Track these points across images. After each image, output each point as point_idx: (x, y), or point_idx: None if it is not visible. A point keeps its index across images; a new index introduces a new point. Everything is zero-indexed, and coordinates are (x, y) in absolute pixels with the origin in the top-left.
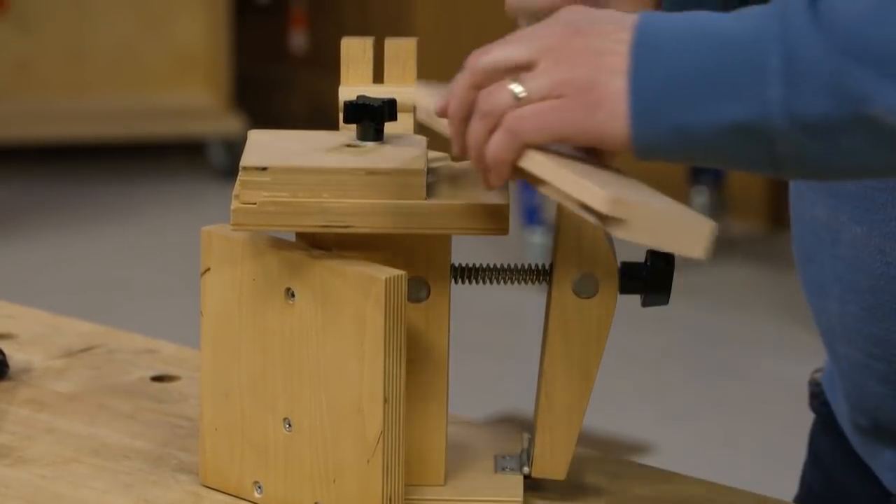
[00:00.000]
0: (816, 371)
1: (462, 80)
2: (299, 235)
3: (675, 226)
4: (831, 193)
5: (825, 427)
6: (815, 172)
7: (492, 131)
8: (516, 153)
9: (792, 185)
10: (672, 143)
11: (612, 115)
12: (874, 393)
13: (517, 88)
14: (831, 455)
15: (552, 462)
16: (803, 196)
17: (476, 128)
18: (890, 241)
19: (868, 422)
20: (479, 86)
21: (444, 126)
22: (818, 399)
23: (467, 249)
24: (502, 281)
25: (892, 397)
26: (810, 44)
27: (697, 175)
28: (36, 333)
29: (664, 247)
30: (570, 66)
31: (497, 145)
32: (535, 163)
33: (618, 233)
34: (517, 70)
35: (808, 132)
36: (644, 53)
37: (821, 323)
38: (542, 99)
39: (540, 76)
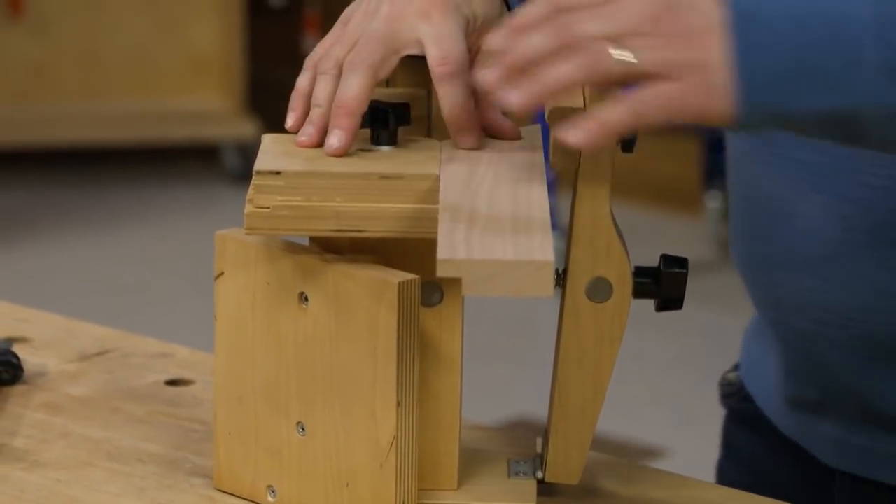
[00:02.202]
0: (729, 372)
1: (544, 38)
2: (313, 239)
3: (511, 273)
4: (790, 167)
5: (744, 423)
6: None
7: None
8: (631, 128)
9: (733, 167)
10: (772, 121)
11: (721, 97)
12: (827, 361)
13: (618, 52)
14: (752, 448)
15: (565, 466)
16: (751, 175)
17: (567, 73)
18: (853, 207)
19: (816, 393)
20: (556, 40)
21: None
22: (735, 397)
23: None
24: None
25: (845, 363)
26: None
27: (711, 180)
28: (50, 337)
29: (509, 293)
30: (681, 45)
31: (618, 116)
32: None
33: (464, 290)
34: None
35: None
36: (744, 33)
37: (764, 300)
38: (655, 73)
39: (649, 49)
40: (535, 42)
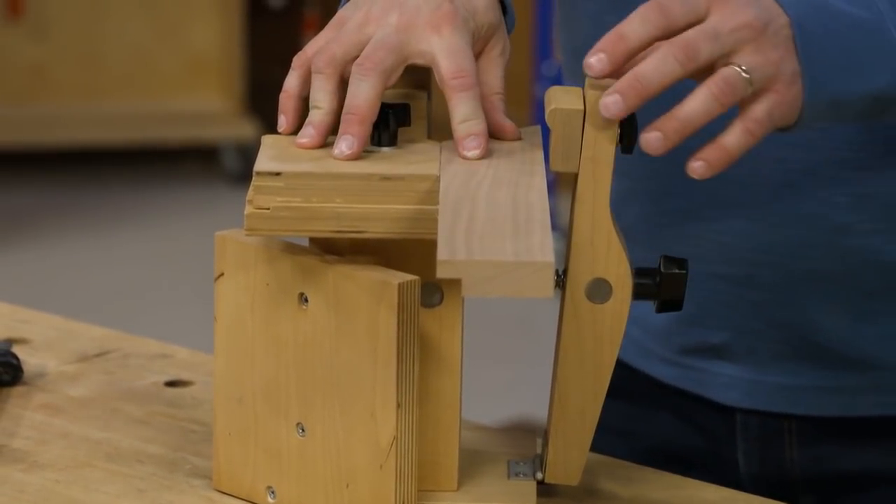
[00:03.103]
0: None
1: (671, 49)
2: (313, 240)
3: (511, 274)
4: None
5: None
6: None
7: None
8: (745, 152)
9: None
10: (823, 112)
11: (800, 102)
12: (746, 302)
13: (745, 75)
14: (624, 413)
15: (565, 467)
16: None
17: (705, 107)
18: (790, 150)
19: (723, 337)
20: (683, 58)
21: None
22: None
23: None
24: None
25: (776, 301)
26: None
27: None
28: (50, 338)
29: (508, 294)
30: (779, 57)
31: (734, 143)
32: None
33: (464, 292)
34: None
35: None
36: (807, 42)
37: (678, 252)
38: (761, 89)
39: (760, 65)
40: (664, 70)
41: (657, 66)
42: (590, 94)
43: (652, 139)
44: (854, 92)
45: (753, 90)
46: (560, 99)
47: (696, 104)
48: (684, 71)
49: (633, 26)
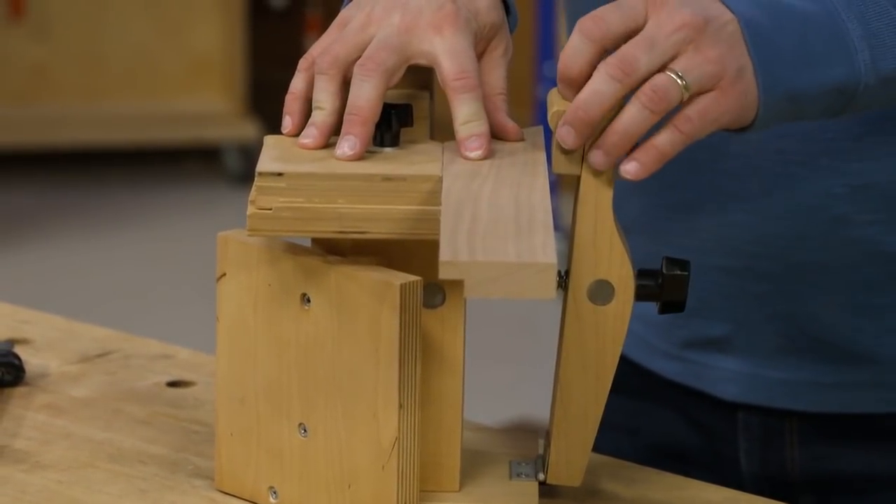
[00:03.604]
0: None
1: (606, 69)
2: (315, 241)
3: (514, 275)
4: None
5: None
6: (866, 110)
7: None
8: (681, 149)
9: None
10: (783, 109)
11: (752, 99)
12: (748, 294)
13: (680, 81)
14: (627, 409)
15: (567, 468)
16: None
17: (639, 117)
18: (788, 141)
19: (724, 330)
20: (620, 74)
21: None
22: None
23: None
24: None
25: (777, 292)
26: (877, 7)
27: None
28: (52, 339)
29: (511, 295)
30: (721, 53)
31: (666, 142)
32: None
33: (466, 293)
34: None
35: (885, 83)
36: (756, 37)
37: (678, 245)
38: (701, 90)
39: (694, 68)
40: (603, 92)
41: (596, 90)
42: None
43: (595, 157)
44: (811, 85)
45: (692, 92)
46: (562, 101)
47: (629, 116)
48: (625, 88)
49: (574, 45)
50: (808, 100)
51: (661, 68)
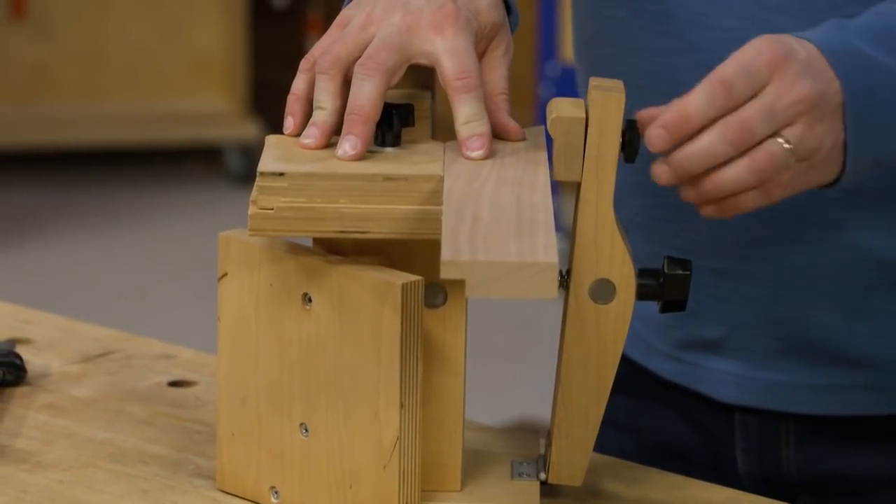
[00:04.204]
0: None
1: (725, 131)
2: (316, 241)
3: (515, 275)
4: None
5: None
6: None
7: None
8: (759, 206)
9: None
10: (866, 171)
11: (837, 168)
12: (741, 297)
13: (787, 146)
14: (629, 409)
15: (569, 468)
16: None
17: (743, 179)
18: None
19: (718, 332)
20: (738, 141)
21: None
22: None
23: None
24: None
25: (770, 295)
26: None
27: None
28: (53, 338)
29: (512, 295)
30: (824, 130)
31: (752, 202)
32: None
33: (468, 292)
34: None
35: None
36: (854, 110)
37: (672, 246)
38: (800, 158)
39: (805, 139)
40: (716, 154)
41: (710, 150)
42: (594, 94)
43: (686, 192)
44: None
45: (795, 161)
46: (562, 108)
47: (734, 175)
48: (736, 152)
49: (699, 105)
50: (890, 160)
51: (773, 133)
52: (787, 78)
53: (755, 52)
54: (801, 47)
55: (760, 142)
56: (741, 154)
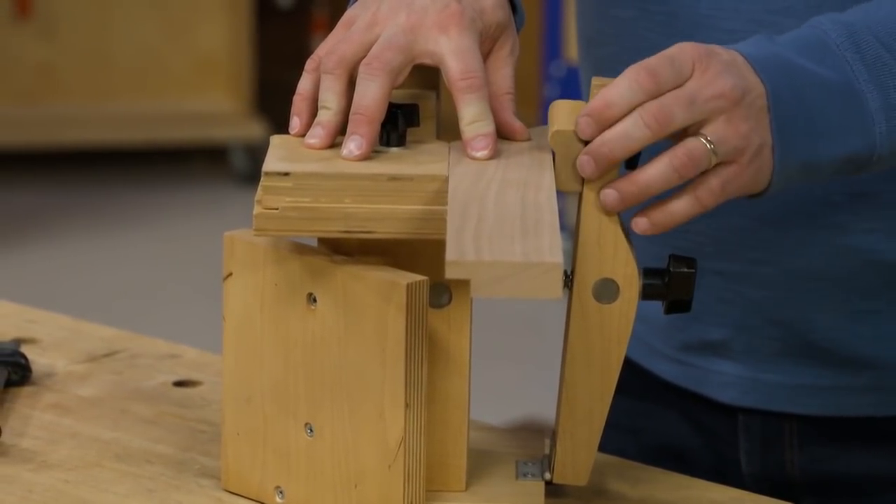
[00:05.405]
0: None
1: (642, 115)
2: (321, 241)
3: (520, 275)
4: None
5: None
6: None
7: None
8: (693, 215)
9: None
10: (796, 177)
11: (767, 172)
12: (746, 300)
13: (712, 151)
14: (631, 410)
15: (574, 468)
16: None
17: (664, 176)
18: None
19: (722, 334)
20: (655, 125)
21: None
22: None
23: None
24: None
25: (774, 298)
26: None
27: None
28: (58, 338)
29: (517, 295)
30: (749, 129)
31: (683, 210)
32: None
33: (473, 292)
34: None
35: None
36: (779, 113)
37: (677, 247)
38: (724, 161)
39: (726, 140)
40: (633, 136)
41: (627, 133)
42: (595, 93)
43: (608, 197)
44: (825, 156)
45: (716, 163)
46: (562, 119)
47: (656, 173)
48: (654, 136)
49: (622, 92)
50: (821, 169)
51: (691, 129)
52: (709, 73)
53: (679, 48)
54: (724, 52)
55: (681, 139)
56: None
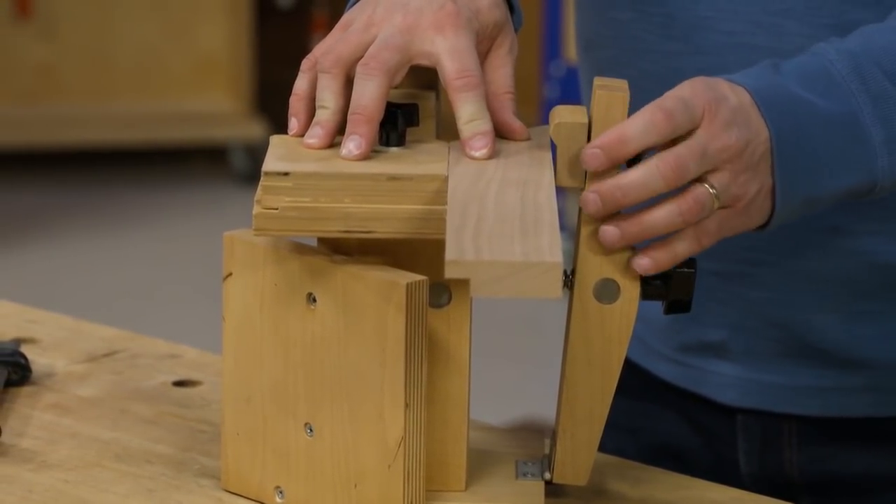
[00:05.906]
0: None
1: (660, 166)
2: (321, 240)
3: (520, 275)
4: None
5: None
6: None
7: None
8: (692, 254)
9: None
10: (797, 212)
11: (764, 213)
12: (745, 301)
13: (713, 192)
14: (629, 410)
15: (573, 468)
16: None
17: (669, 220)
18: None
19: (720, 335)
20: (672, 177)
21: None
22: None
23: None
24: None
25: (770, 301)
26: None
27: None
28: (58, 338)
29: (517, 294)
30: (747, 178)
31: (684, 250)
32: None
33: (472, 292)
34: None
35: None
36: (782, 156)
37: None
38: (724, 205)
39: (728, 188)
40: (649, 187)
41: (645, 182)
42: (598, 93)
43: (609, 234)
44: (827, 190)
45: (717, 206)
46: (564, 115)
47: (662, 216)
48: (668, 188)
49: (637, 131)
50: (823, 201)
51: (699, 179)
52: (716, 122)
53: (692, 90)
54: (732, 94)
55: (687, 185)
56: (669, 197)
